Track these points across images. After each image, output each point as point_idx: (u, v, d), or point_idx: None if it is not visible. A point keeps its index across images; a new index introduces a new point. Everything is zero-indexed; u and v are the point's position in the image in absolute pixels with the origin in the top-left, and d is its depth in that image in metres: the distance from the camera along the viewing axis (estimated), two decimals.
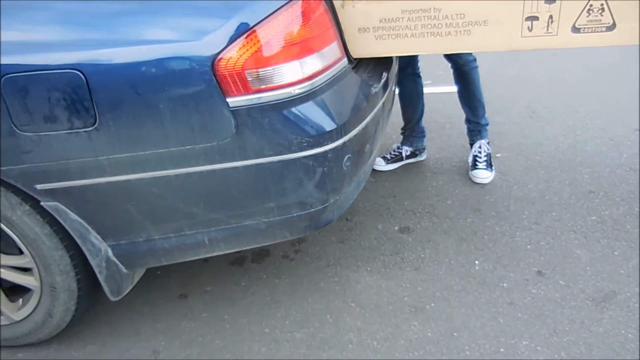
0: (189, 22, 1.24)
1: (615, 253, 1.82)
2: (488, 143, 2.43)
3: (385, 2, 1.50)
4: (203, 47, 1.22)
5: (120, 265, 1.40)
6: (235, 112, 1.25)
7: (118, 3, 1.24)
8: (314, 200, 1.40)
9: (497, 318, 1.59)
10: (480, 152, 2.38)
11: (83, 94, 1.20)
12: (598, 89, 3.34)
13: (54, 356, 1.55)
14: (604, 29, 1.38)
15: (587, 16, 1.38)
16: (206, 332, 1.60)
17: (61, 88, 1.20)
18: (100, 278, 1.38)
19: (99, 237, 1.35)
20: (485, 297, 1.67)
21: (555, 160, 2.48)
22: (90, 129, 1.22)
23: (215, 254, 1.45)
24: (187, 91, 1.23)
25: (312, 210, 1.42)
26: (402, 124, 2.56)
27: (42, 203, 1.30)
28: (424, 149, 2.56)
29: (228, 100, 1.24)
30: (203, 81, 1.22)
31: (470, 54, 2.25)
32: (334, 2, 1.50)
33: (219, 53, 1.21)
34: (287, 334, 1.58)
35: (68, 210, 1.31)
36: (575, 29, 1.41)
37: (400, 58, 2.18)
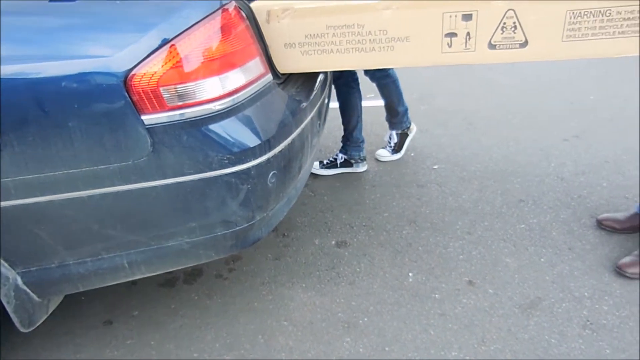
0: (102, 37, 1.20)
1: (542, 260, 1.88)
2: (403, 132, 2.71)
3: (310, 17, 1.50)
4: (115, 63, 1.17)
5: (32, 294, 1.32)
6: (151, 129, 1.21)
7: (23, 16, 1.18)
8: (239, 218, 1.37)
9: (428, 330, 1.60)
10: (390, 139, 2.73)
11: None
12: (530, 100, 3.48)
13: None
14: (518, 45, 1.44)
15: (502, 33, 1.43)
16: None
17: None
18: (9, 309, 1.28)
19: (6, 264, 1.27)
20: (418, 309, 1.68)
21: (489, 171, 2.56)
22: None
23: (136, 277, 1.38)
24: (98, 109, 1.18)
25: (238, 228, 1.39)
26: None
27: None
28: (361, 159, 2.59)
29: (143, 117, 1.20)
30: (115, 98, 1.17)
31: (383, 70, 2.43)
32: (258, 17, 1.49)
33: (132, 69, 1.17)
34: (216, 357, 1.53)
35: None
36: (492, 46, 1.45)
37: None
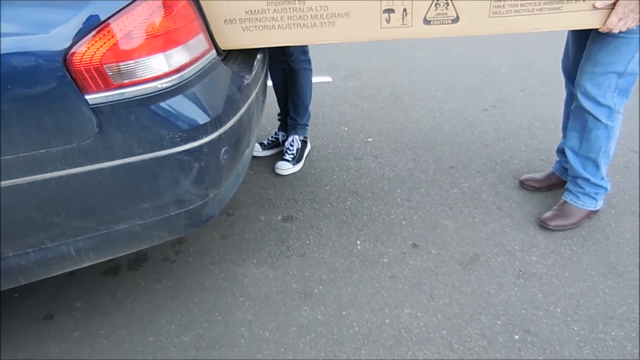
0: (37, 13, 1.11)
1: (476, 220, 2.04)
2: (303, 140, 2.51)
3: None
4: (52, 41, 1.09)
5: None
6: (97, 109, 1.15)
7: None
8: (193, 196, 1.35)
9: (381, 292, 1.68)
10: (291, 146, 2.45)
11: None
12: (450, 74, 3.68)
13: None
14: (450, 21, 1.52)
15: (435, 10, 1.51)
16: (80, 351, 1.47)
17: None
18: None
19: None
20: (369, 274, 1.76)
21: (420, 141, 2.69)
22: None
23: (84, 265, 1.32)
24: (35, 90, 1.10)
25: (191, 207, 1.36)
26: (278, 110, 2.59)
27: None
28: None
29: (87, 97, 1.13)
30: (55, 78, 1.10)
31: (306, 55, 2.30)
32: None
33: (71, 46, 1.10)
34: (173, 339, 1.51)
35: None
36: (427, 21, 1.53)
37: (269, 47, 2.19)
